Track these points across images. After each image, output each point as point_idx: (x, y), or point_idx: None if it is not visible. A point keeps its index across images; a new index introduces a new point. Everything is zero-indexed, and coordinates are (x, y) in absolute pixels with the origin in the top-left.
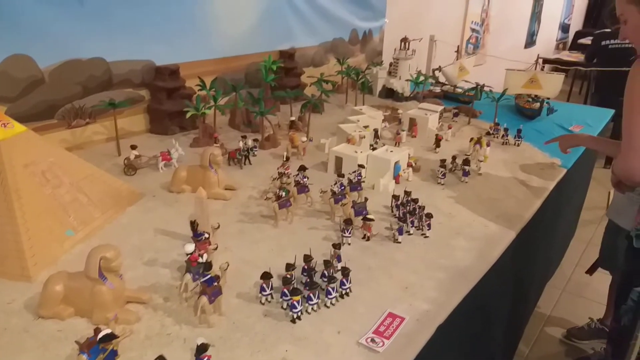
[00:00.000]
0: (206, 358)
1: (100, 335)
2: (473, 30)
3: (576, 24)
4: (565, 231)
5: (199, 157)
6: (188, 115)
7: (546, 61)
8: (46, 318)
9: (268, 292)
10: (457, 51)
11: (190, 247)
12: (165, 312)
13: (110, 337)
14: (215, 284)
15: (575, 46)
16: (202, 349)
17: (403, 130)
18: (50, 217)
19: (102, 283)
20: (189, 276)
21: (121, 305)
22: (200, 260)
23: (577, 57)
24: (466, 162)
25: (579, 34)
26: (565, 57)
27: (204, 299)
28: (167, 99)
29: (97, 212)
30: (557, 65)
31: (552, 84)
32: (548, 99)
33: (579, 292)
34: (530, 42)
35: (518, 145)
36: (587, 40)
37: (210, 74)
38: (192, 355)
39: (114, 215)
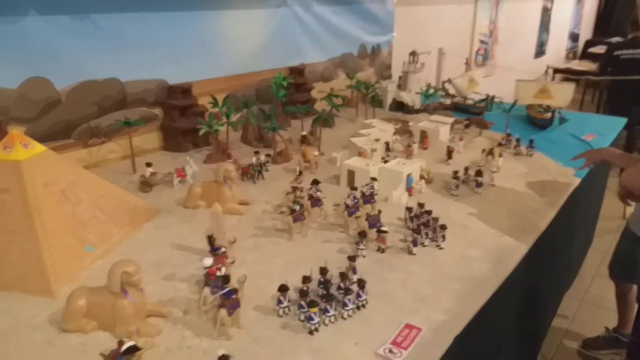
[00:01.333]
0: None
1: (124, 348)
2: (482, 41)
3: (585, 33)
4: (582, 240)
5: (212, 173)
6: (201, 132)
7: (556, 71)
8: (70, 332)
9: (285, 304)
10: (467, 63)
11: (209, 261)
12: (185, 325)
13: (134, 349)
14: (234, 296)
15: (585, 55)
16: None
17: (414, 143)
18: (70, 234)
19: (123, 297)
20: (207, 289)
21: (142, 319)
22: (218, 273)
23: (588, 66)
24: (479, 173)
25: (589, 43)
26: (576, 67)
27: (223, 311)
28: (180, 117)
29: (115, 228)
30: (567, 74)
31: (563, 93)
32: (559, 108)
33: (598, 302)
34: (539, 52)
35: (530, 155)
36: (597, 49)
37: (221, 91)
38: None
39: (131, 231)
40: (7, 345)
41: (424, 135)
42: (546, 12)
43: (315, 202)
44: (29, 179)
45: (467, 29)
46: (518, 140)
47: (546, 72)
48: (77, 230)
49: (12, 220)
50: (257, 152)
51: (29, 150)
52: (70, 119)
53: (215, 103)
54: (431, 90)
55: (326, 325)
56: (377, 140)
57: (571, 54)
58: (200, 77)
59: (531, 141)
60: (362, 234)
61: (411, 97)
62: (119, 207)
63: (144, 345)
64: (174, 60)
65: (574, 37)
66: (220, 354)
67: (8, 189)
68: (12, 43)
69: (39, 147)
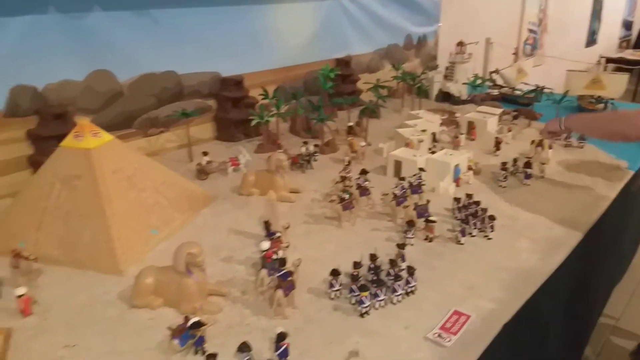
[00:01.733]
0: (285, 345)
1: (190, 323)
2: (530, 30)
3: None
4: (635, 233)
5: (263, 162)
6: (253, 123)
7: (609, 60)
8: (138, 308)
9: (337, 287)
10: (515, 53)
11: (266, 245)
12: (244, 305)
13: (199, 324)
14: (290, 278)
15: (639, 44)
16: (281, 337)
17: (461, 134)
18: (136, 218)
19: (188, 276)
20: (264, 271)
21: (204, 297)
22: (274, 256)
23: None
24: (528, 164)
25: None
26: (629, 56)
27: (280, 292)
28: (233, 108)
29: (176, 213)
30: (620, 64)
31: (616, 84)
32: (612, 99)
33: None
34: (591, 40)
35: (582, 147)
36: None
37: (271, 83)
38: (270, 343)
39: (191, 216)
40: (84, 318)
41: (471, 126)
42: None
43: (364, 191)
44: (98, 166)
45: (516, 18)
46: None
47: (599, 61)
48: (142, 214)
49: (84, 205)
50: (305, 143)
51: (98, 139)
52: (131, 110)
53: (265, 95)
54: (478, 81)
55: (376, 309)
56: (423, 131)
57: (624, 43)
58: (251, 70)
59: None
60: (411, 223)
61: (458, 88)
62: (179, 194)
63: (207, 321)
64: (227, 53)
65: (628, 25)
66: (278, 331)
67: (80, 176)
68: (79, 38)
69: (107, 136)
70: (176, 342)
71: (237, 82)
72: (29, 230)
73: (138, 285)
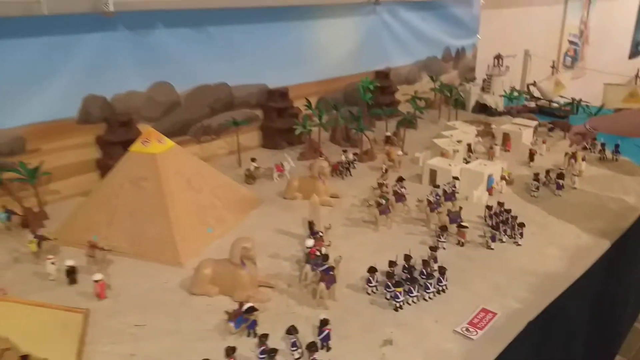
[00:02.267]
0: (327, 331)
1: (244, 308)
2: (571, 42)
3: None
4: None
5: (306, 169)
6: (297, 132)
7: None
8: (197, 295)
9: (373, 284)
10: (553, 66)
11: (311, 242)
12: (289, 296)
13: (253, 309)
14: (331, 273)
15: None
16: (324, 322)
17: (496, 145)
18: (195, 217)
19: (242, 268)
20: (308, 267)
21: (255, 287)
22: (318, 253)
23: None
24: (560, 176)
25: None
26: None
27: (322, 285)
28: (278, 118)
29: (228, 214)
30: None
31: None
32: None
33: None
34: (635, 52)
35: (616, 160)
36: None
37: (314, 95)
38: (313, 329)
39: (241, 217)
40: (150, 302)
41: (506, 137)
42: None
43: (400, 197)
44: (162, 169)
45: (556, 30)
46: (603, 145)
47: (637, 75)
48: (199, 214)
49: (149, 204)
50: (345, 151)
51: (162, 144)
52: (187, 119)
53: (308, 106)
54: (515, 94)
55: (409, 304)
56: (459, 141)
57: None
58: (295, 82)
59: (617, 146)
60: (443, 228)
61: (494, 100)
62: (231, 196)
63: (258, 307)
64: (273, 66)
65: None
66: (322, 317)
67: (146, 178)
68: (143, 52)
69: (169, 143)
70: (232, 324)
71: (282, 94)
72: (101, 225)
73: (198, 275)
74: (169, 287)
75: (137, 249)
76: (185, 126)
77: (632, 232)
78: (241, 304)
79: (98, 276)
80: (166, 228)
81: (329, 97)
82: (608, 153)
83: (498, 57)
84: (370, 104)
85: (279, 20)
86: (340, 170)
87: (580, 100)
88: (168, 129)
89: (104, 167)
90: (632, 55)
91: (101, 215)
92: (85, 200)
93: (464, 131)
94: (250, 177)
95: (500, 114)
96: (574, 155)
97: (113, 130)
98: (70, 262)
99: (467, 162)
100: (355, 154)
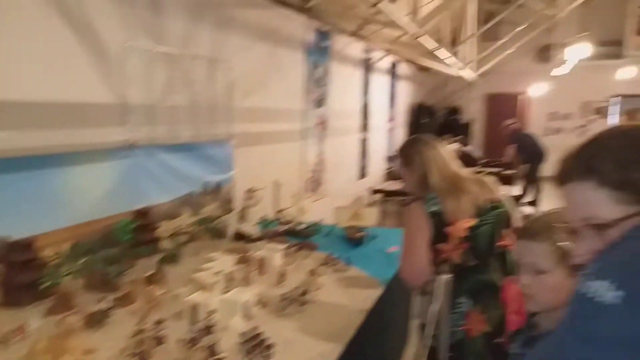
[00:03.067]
0: None
1: None
2: (312, 171)
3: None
4: (395, 337)
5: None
6: (44, 285)
7: (375, 191)
8: None
9: None
10: (298, 193)
11: None
12: None
13: None
14: None
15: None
16: None
17: (252, 270)
18: None
19: None
20: None
21: None
22: None
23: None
24: (304, 293)
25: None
26: (390, 187)
27: None
28: (21, 272)
29: None
30: (383, 194)
31: (371, 215)
32: (370, 226)
33: None
34: (362, 174)
35: (345, 271)
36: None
37: (67, 240)
38: None
39: None
40: None
41: (261, 262)
42: (364, 142)
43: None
44: None
45: (299, 161)
46: (335, 257)
47: (357, 198)
48: None
49: None
50: (101, 298)
51: None
52: None
53: (58, 254)
54: (267, 221)
55: None
56: (218, 272)
57: (388, 175)
58: (45, 229)
59: (347, 257)
60: None
61: (250, 228)
62: None
63: None
64: (17, 215)
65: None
66: None
67: None
68: None
69: None
70: None
71: (26, 245)
72: None
73: None
74: None
75: None
76: None
77: (359, 333)
78: None
79: None
80: None
81: (84, 241)
82: (341, 264)
83: (250, 190)
84: (131, 244)
85: (24, 170)
86: (96, 320)
87: (319, 221)
88: None
89: None
90: (361, 177)
91: None
92: None
93: (223, 261)
94: None
95: (256, 240)
96: (313, 272)
97: None
98: None
99: (226, 292)
100: (115, 299)
